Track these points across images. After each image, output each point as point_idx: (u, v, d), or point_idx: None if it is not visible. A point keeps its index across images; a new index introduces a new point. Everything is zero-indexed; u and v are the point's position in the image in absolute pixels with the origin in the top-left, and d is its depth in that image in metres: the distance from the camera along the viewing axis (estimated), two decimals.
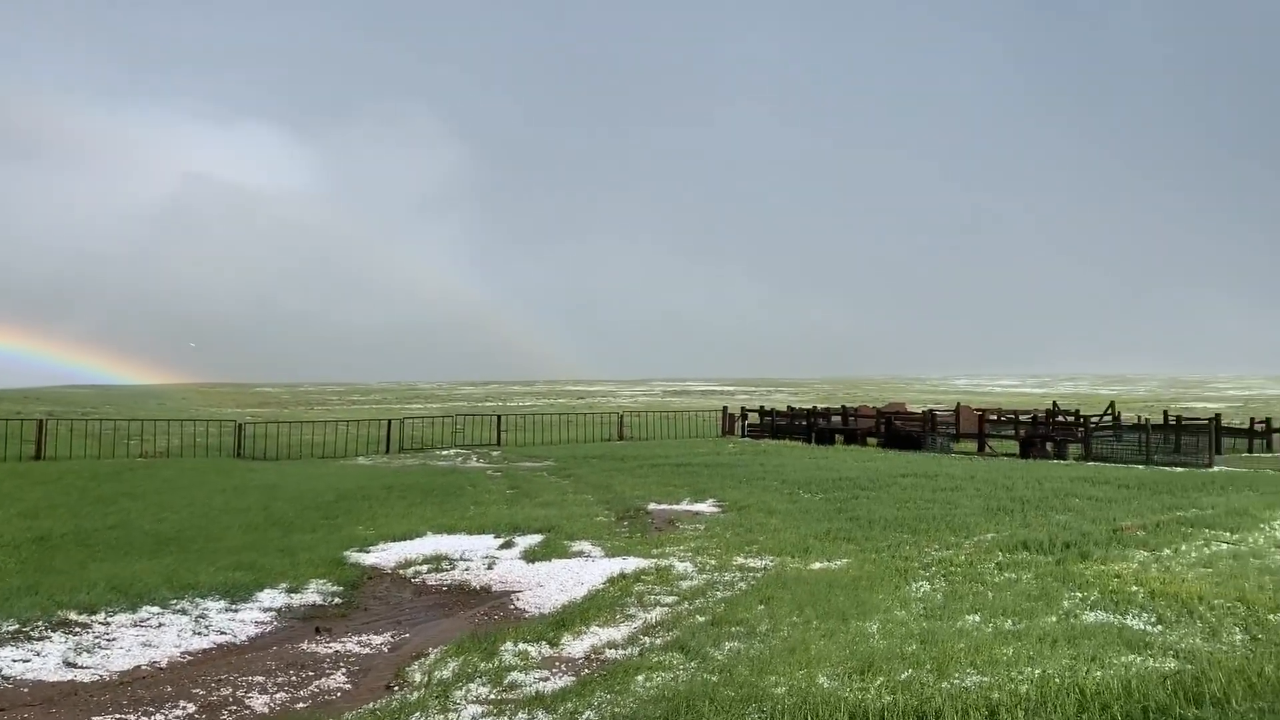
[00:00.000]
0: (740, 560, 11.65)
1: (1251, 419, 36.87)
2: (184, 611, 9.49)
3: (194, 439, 32.59)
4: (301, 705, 7.11)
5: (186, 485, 20.21)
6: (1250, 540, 11.77)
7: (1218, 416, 33.32)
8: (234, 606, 9.80)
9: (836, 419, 38.64)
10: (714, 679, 6.77)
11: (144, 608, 9.48)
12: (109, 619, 9.11)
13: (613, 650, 7.98)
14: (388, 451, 31.95)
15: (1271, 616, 8.12)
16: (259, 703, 7.12)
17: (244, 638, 8.96)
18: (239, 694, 7.28)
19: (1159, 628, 7.95)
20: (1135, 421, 33.89)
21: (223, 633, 9.01)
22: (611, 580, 10.66)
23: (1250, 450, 31.26)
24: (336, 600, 10.45)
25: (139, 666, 7.95)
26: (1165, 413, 40.73)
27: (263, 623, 9.43)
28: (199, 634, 8.91)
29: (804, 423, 38.41)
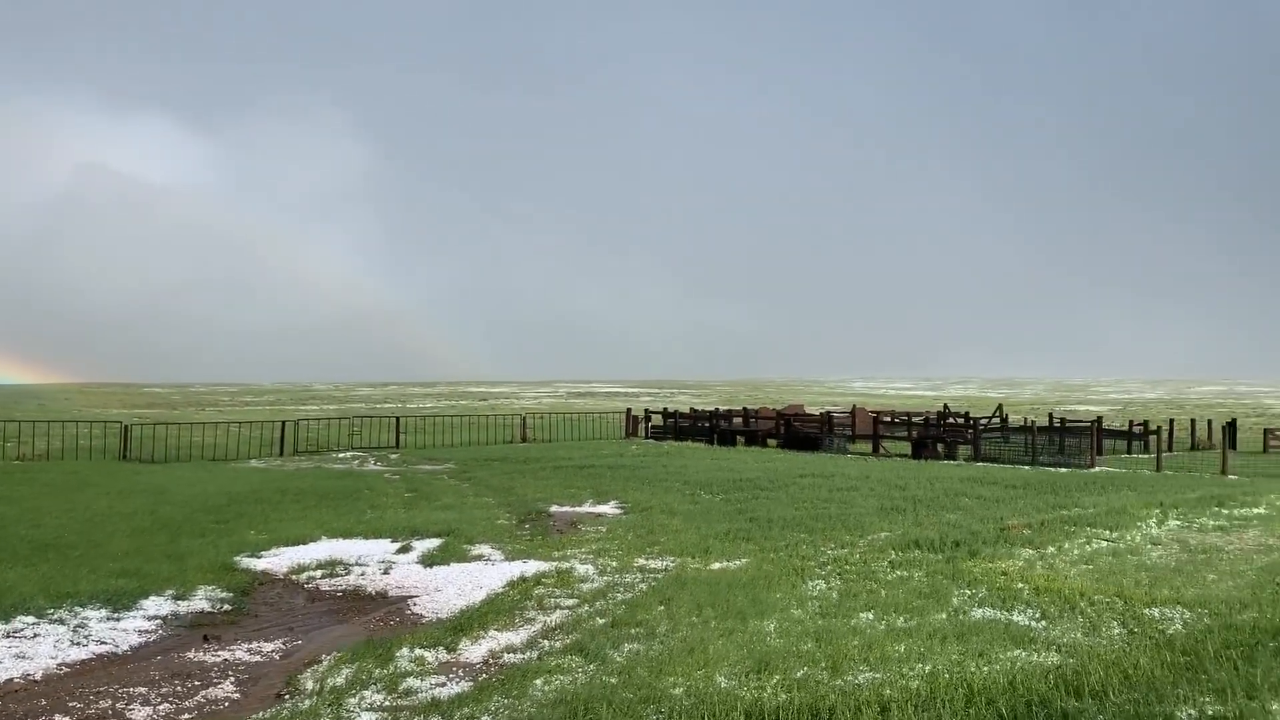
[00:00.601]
0: (641, 561, 11.69)
1: (1130, 421, 38.62)
2: (62, 621, 9.09)
3: (76, 441, 31.22)
4: (187, 716, 6.88)
5: (67, 489, 19.37)
6: (1128, 538, 12.29)
7: (1099, 419, 34.73)
8: (116, 615, 9.42)
9: (738, 420, 39.09)
10: (613, 681, 6.77)
11: (18, 618, 9.05)
12: None
13: (511, 654, 7.91)
14: (282, 454, 31.14)
15: (1147, 610, 8.49)
16: (141, 714, 6.86)
17: (126, 647, 8.61)
18: (119, 706, 7.01)
19: (1043, 623, 8.23)
20: (1021, 423, 35.13)
21: (103, 642, 8.64)
22: (511, 584, 10.58)
23: (1129, 451, 32.64)
24: (226, 607, 10.13)
25: (11, 679, 7.58)
26: (1050, 415, 42.38)
27: (147, 631, 9.09)
28: (78, 644, 8.53)
29: (706, 424, 38.74)
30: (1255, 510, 14.63)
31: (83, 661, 8.15)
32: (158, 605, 9.86)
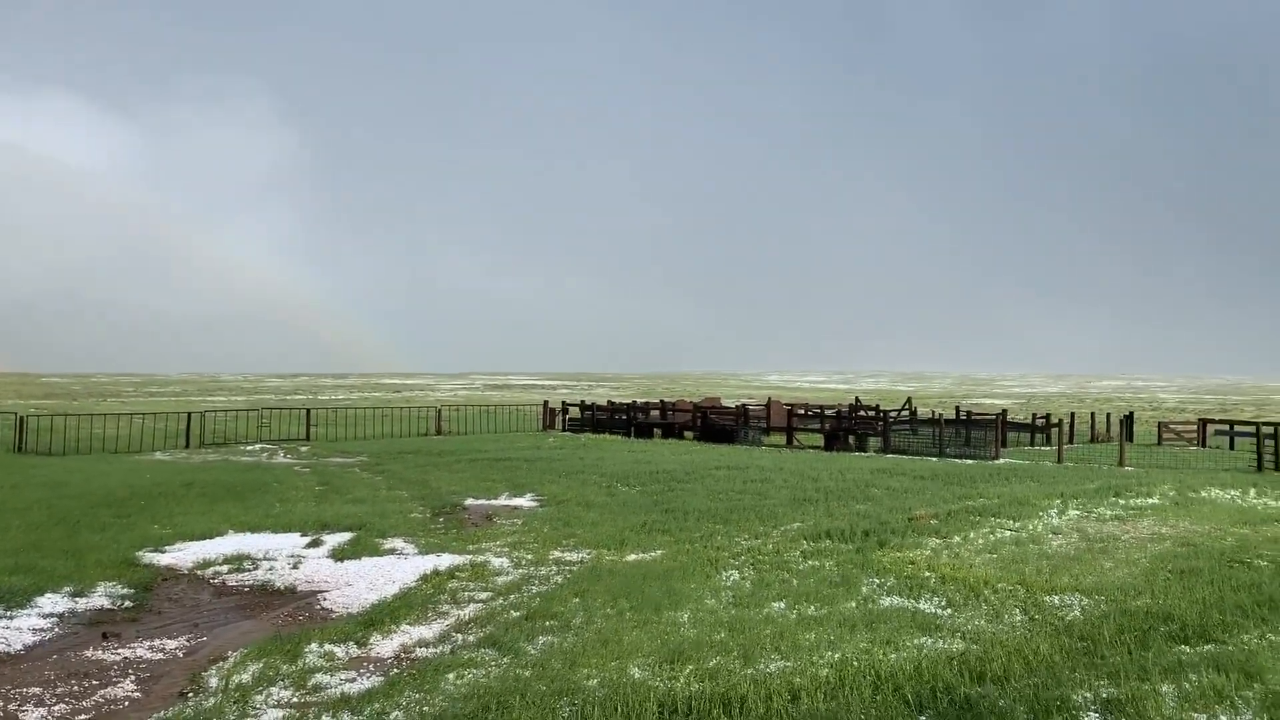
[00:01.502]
0: (557, 554, 11.66)
1: (1034, 414, 39.80)
2: None
3: None
4: (84, 717, 6.64)
5: None
6: (1030, 527, 12.67)
7: (1004, 412, 35.74)
8: (9, 613, 9.05)
9: (655, 413, 39.24)
10: (526, 674, 6.75)
11: None
12: None
13: (424, 649, 7.83)
14: (188, 446, 30.28)
15: (1047, 598, 8.77)
16: (35, 716, 6.61)
17: (20, 646, 8.29)
18: (11, 707, 6.74)
19: (949, 611, 8.44)
20: (930, 416, 35.95)
21: None
22: (425, 578, 10.47)
23: (1032, 443, 33.61)
24: (127, 603, 9.81)
25: None
26: (957, 408, 43.49)
27: (42, 630, 8.75)
28: None
29: (624, 417, 38.80)
30: (1150, 500, 15.23)
31: None
32: (54, 603, 9.51)
